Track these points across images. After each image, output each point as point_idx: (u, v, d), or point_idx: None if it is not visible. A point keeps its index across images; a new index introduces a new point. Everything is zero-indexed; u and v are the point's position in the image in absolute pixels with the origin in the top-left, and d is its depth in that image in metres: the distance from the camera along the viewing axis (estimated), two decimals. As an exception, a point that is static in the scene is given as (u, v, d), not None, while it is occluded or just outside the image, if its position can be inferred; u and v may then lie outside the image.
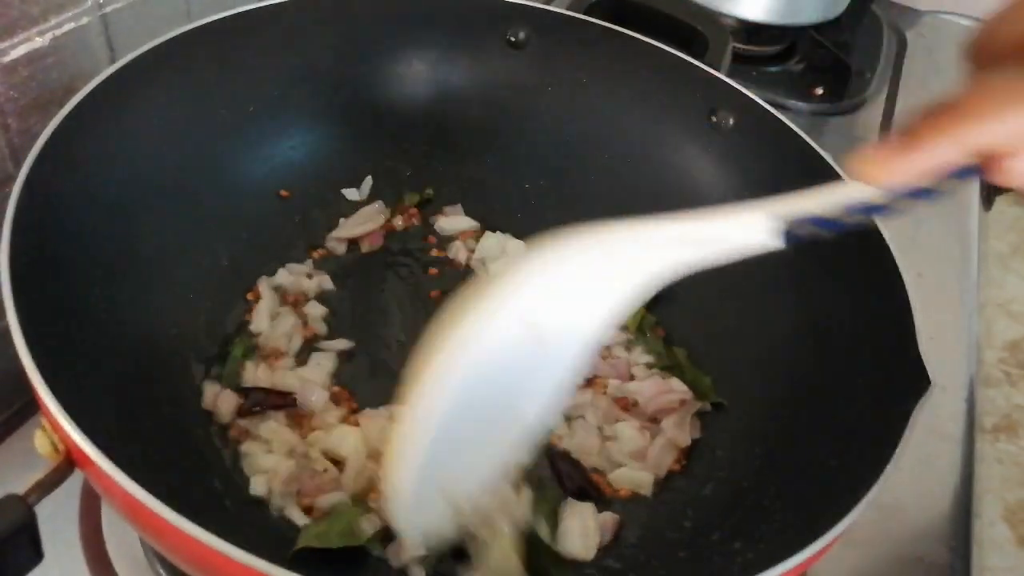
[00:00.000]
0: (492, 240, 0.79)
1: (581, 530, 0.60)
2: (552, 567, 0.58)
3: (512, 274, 0.42)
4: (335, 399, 0.66)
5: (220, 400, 0.63)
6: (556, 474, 0.64)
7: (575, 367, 0.45)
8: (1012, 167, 0.36)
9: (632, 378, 0.71)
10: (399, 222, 0.79)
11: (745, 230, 0.41)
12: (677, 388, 0.69)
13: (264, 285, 0.72)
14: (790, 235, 0.40)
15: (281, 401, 0.64)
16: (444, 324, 0.42)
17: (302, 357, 0.69)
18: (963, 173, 0.37)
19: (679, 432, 0.66)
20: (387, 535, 0.58)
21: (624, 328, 0.73)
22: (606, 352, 0.71)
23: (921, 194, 0.38)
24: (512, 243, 0.79)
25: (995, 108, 0.35)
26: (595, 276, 0.42)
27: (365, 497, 0.60)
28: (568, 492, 0.62)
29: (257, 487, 0.59)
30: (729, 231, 0.41)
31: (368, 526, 0.58)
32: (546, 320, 0.42)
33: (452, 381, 0.42)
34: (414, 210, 0.81)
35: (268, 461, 0.61)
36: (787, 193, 0.42)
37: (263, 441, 0.62)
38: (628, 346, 0.73)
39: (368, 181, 0.80)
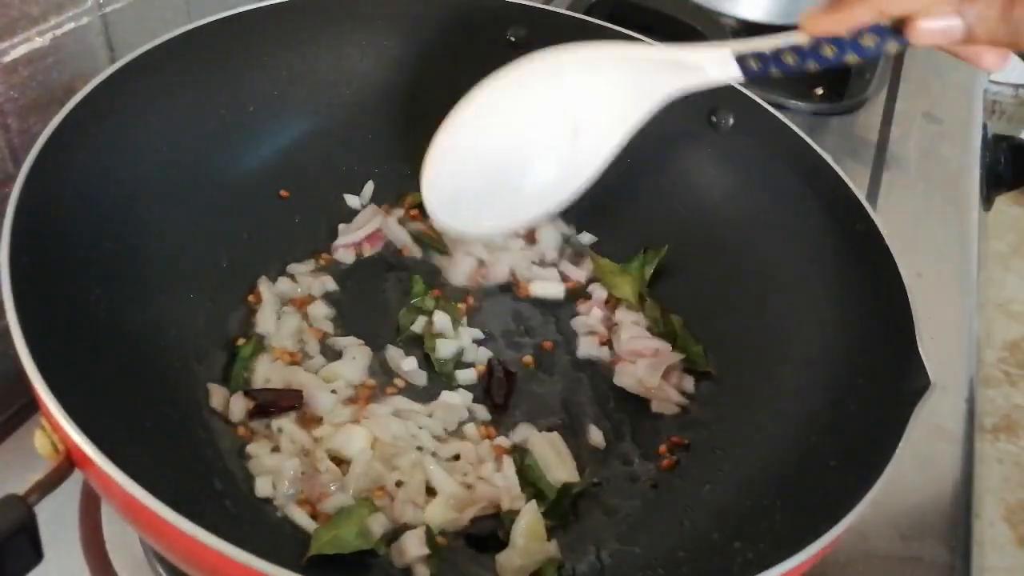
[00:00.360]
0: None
1: (556, 457, 0.63)
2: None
3: (558, 55, 0.52)
4: (357, 395, 0.67)
5: (232, 403, 0.63)
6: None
7: (594, 163, 0.55)
8: (920, 28, 0.44)
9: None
10: (397, 223, 0.79)
11: (712, 60, 0.50)
12: (655, 342, 0.70)
13: (264, 286, 0.72)
14: (746, 69, 0.50)
15: (290, 402, 0.64)
16: (504, 67, 0.52)
17: (328, 356, 0.69)
18: (880, 32, 0.46)
19: (649, 373, 0.67)
20: (393, 535, 0.58)
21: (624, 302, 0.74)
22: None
23: (848, 46, 0.47)
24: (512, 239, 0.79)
25: None
26: (619, 88, 0.53)
27: (370, 497, 0.60)
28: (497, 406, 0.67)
29: (262, 488, 0.59)
30: (702, 60, 0.51)
31: (377, 527, 0.58)
32: (579, 113, 0.53)
33: (497, 103, 0.52)
34: (415, 211, 0.80)
35: (274, 461, 0.61)
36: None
37: (270, 441, 0.62)
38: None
39: (369, 186, 0.80)
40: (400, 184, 0.81)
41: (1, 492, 0.44)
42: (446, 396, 0.67)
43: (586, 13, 0.80)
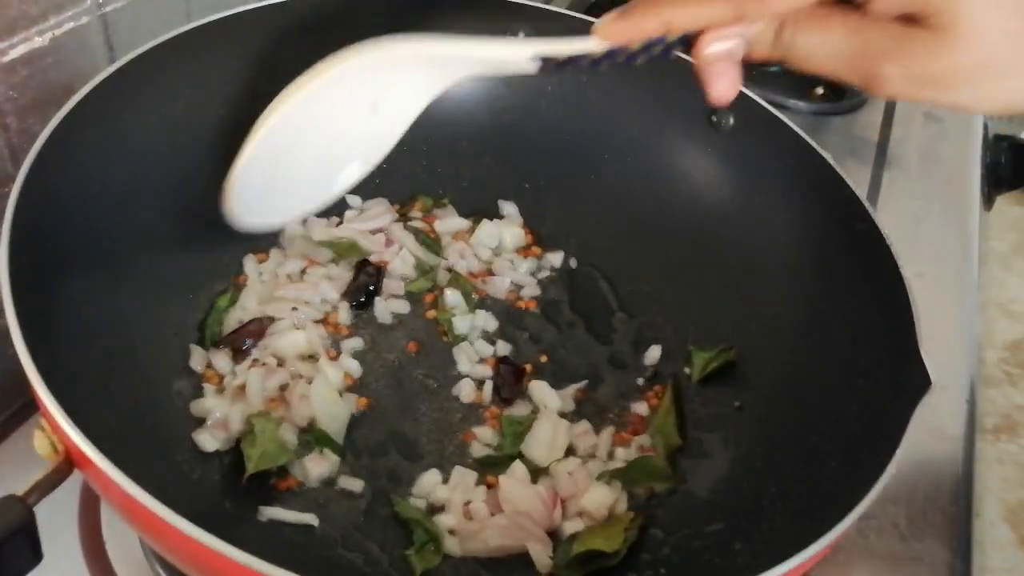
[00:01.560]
0: (489, 227, 0.79)
1: (548, 440, 0.64)
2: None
3: (357, 52, 0.55)
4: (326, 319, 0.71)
5: (212, 358, 0.65)
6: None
7: (387, 141, 0.59)
8: (707, 49, 0.46)
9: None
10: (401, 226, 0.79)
11: (514, 56, 0.52)
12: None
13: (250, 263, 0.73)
14: (543, 66, 0.52)
15: (257, 329, 0.67)
16: (309, 71, 0.55)
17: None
18: (668, 44, 0.48)
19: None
20: (306, 444, 0.62)
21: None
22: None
23: (635, 53, 0.49)
24: (509, 231, 0.79)
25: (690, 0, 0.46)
26: (413, 73, 0.56)
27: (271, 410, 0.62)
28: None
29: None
30: (503, 55, 0.53)
31: (291, 435, 0.61)
32: (376, 98, 0.56)
33: (301, 106, 0.55)
34: (427, 216, 0.80)
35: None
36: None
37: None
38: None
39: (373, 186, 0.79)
40: (400, 183, 0.81)
41: (1, 492, 0.44)
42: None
43: (586, 12, 0.80)
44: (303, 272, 0.73)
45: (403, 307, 0.74)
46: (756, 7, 0.44)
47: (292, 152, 0.56)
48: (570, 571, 0.58)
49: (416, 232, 0.78)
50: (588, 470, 0.64)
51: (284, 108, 0.54)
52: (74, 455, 0.45)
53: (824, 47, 0.45)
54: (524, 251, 0.80)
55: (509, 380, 0.69)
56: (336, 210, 0.77)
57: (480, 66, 0.55)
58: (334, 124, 0.56)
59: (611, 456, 0.66)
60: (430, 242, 0.78)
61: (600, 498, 0.62)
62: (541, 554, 0.58)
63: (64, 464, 0.46)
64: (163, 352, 0.63)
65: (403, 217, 0.80)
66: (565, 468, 0.64)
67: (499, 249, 0.79)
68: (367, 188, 0.79)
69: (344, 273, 0.74)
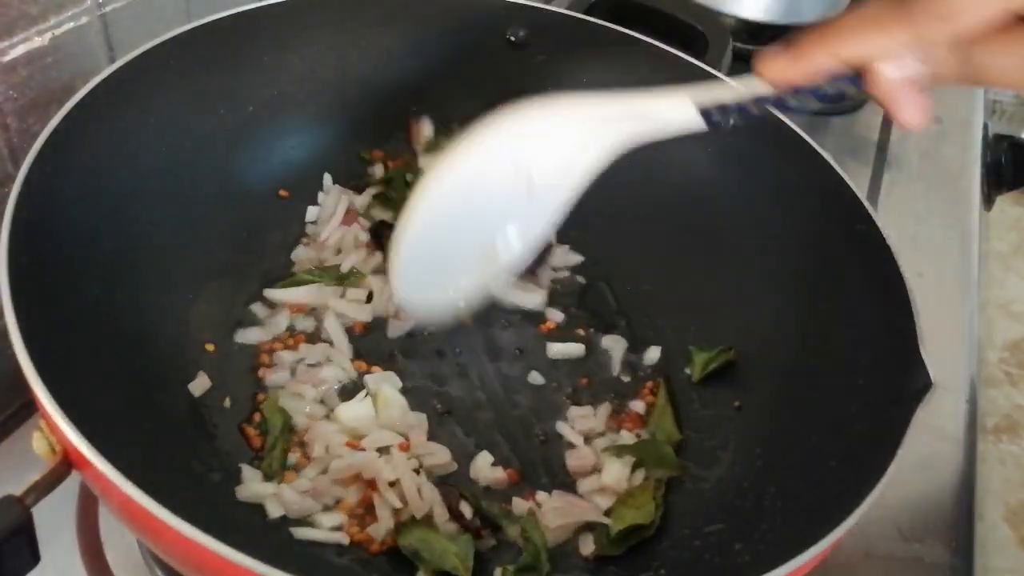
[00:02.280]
0: None
1: None
2: None
3: (506, 122, 0.53)
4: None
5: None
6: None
7: (551, 212, 0.56)
8: (877, 77, 0.45)
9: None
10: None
11: (675, 111, 0.50)
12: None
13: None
14: (709, 119, 0.50)
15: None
16: (453, 147, 0.54)
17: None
18: (841, 79, 0.46)
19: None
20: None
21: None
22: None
23: (811, 93, 0.48)
24: None
25: (860, 28, 0.45)
26: (569, 137, 0.53)
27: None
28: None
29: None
30: (663, 111, 0.51)
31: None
32: (532, 164, 0.54)
33: (449, 189, 0.54)
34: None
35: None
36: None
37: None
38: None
39: (328, 177, 0.78)
40: (399, 183, 0.81)
41: (-1, 493, 0.44)
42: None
43: (586, 13, 0.80)
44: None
45: None
46: (936, 28, 0.42)
47: (450, 233, 0.56)
48: (610, 549, 0.59)
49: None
50: (595, 447, 0.66)
51: (435, 187, 0.54)
52: (72, 456, 0.45)
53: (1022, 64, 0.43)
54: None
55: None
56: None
57: (640, 125, 0.52)
58: (487, 203, 0.55)
59: (616, 433, 0.67)
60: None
61: (617, 472, 0.63)
62: (585, 538, 0.60)
63: (62, 465, 0.46)
64: (163, 352, 0.63)
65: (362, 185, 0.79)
66: (574, 452, 0.65)
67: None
68: (362, 189, 0.79)
69: (359, 292, 0.72)
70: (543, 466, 0.65)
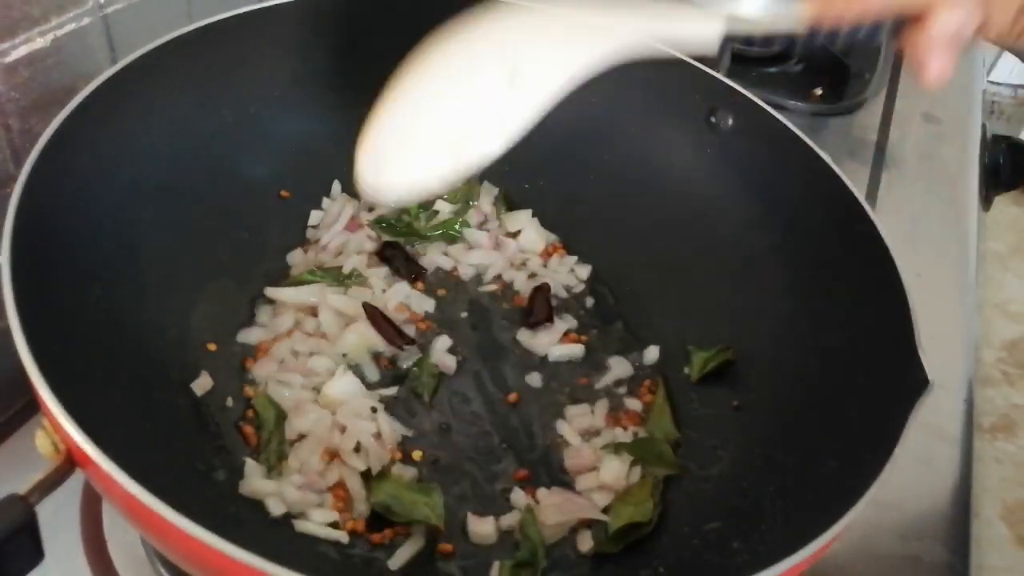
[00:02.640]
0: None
1: None
2: None
3: (497, 17, 0.52)
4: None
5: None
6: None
7: (531, 108, 0.54)
8: (925, 28, 0.44)
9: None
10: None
11: (699, 28, 0.48)
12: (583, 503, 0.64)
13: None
14: (725, 43, 0.48)
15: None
16: (444, 32, 0.52)
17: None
18: (878, 25, 0.45)
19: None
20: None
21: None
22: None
23: (838, 35, 0.46)
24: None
25: None
26: (567, 37, 0.51)
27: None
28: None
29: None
30: (685, 24, 0.48)
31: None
32: (519, 55, 0.52)
33: (432, 69, 0.53)
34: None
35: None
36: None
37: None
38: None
39: (337, 185, 0.79)
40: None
41: (2, 492, 0.44)
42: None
43: None
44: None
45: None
46: None
47: (426, 115, 0.54)
48: (608, 546, 0.60)
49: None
50: (593, 445, 0.66)
51: (421, 66, 0.52)
52: (76, 454, 0.45)
53: None
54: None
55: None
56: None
57: (649, 41, 0.50)
58: (470, 89, 0.53)
59: (614, 430, 0.68)
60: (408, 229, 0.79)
61: (616, 470, 0.64)
62: (583, 535, 0.61)
63: (66, 463, 0.46)
64: (165, 352, 0.63)
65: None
66: (572, 450, 0.66)
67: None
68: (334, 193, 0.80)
69: (360, 292, 0.73)
70: (543, 464, 0.66)
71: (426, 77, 0.52)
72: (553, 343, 0.73)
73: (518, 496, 0.62)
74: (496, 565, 0.58)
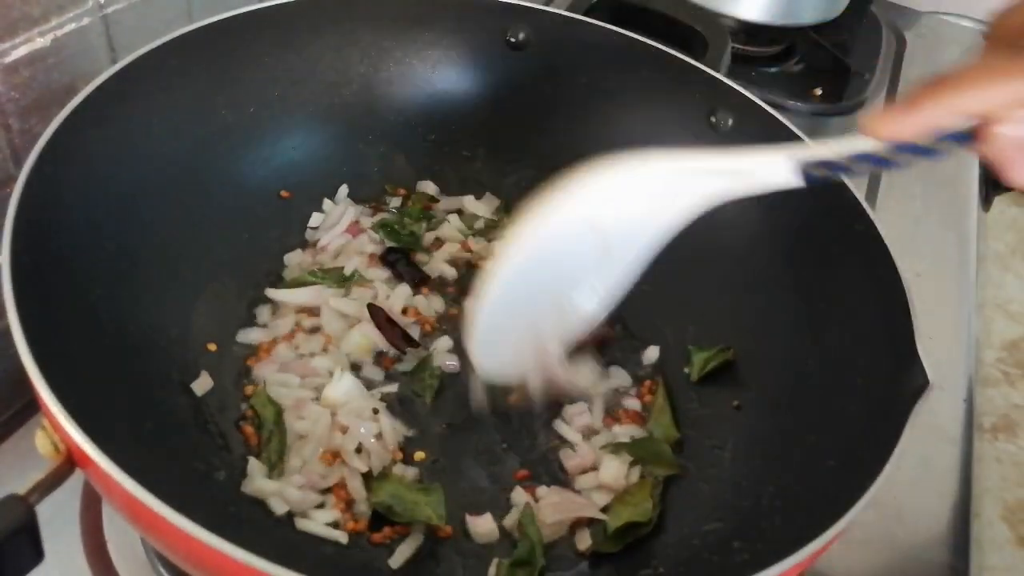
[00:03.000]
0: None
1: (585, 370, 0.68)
2: None
3: (581, 181, 0.52)
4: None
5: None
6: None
7: (627, 271, 0.56)
8: (996, 135, 0.42)
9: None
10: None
11: (769, 168, 0.48)
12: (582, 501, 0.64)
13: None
14: (807, 175, 0.47)
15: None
16: (526, 212, 0.54)
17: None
18: (956, 137, 0.44)
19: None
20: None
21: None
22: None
23: (919, 151, 0.45)
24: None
25: (982, 81, 0.42)
26: (650, 193, 0.52)
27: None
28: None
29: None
30: (756, 167, 0.49)
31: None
32: (608, 224, 0.53)
33: (526, 253, 0.54)
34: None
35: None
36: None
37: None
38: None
39: (344, 190, 0.79)
40: (400, 184, 0.81)
41: (2, 492, 0.44)
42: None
43: (585, 14, 0.80)
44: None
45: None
46: None
47: (525, 301, 0.56)
48: (607, 546, 0.60)
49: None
50: (592, 444, 0.66)
51: (516, 250, 0.53)
52: (75, 454, 0.45)
53: None
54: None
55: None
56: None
57: (731, 183, 0.50)
58: (565, 258, 0.54)
59: (612, 430, 0.68)
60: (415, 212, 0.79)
61: (615, 469, 0.64)
62: (582, 534, 0.61)
63: (65, 463, 0.46)
64: (165, 351, 0.63)
65: (377, 208, 0.80)
66: (572, 450, 0.66)
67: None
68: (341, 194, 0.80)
69: (362, 292, 0.73)
70: (543, 465, 0.66)
71: (523, 263, 0.54)
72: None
73: (518, 495, 0.62)
74: (495, 563, 0.58)
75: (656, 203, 0.52)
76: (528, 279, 0.55)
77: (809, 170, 0.47)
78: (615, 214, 0.53)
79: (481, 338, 0.58)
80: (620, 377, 0.72)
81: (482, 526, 0.60)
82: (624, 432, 0.68)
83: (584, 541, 0.61)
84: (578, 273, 0.56)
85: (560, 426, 0.68)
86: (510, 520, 0.61)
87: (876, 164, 0.46)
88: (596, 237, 0.53)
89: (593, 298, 0.57)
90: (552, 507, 0.61)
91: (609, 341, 0.73)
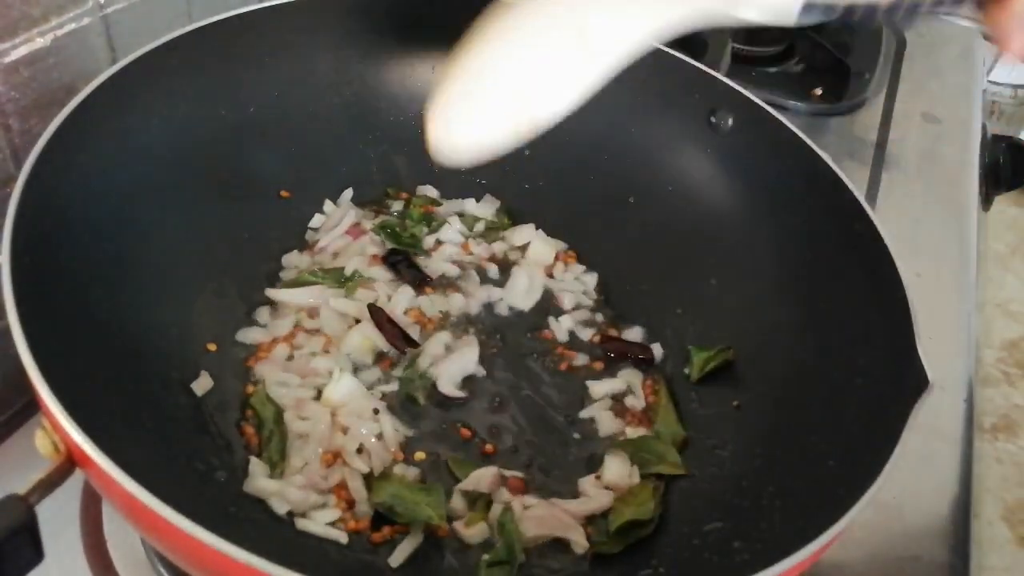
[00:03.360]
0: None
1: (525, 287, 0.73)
2: None
3: None
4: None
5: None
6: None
7: (599, 70, 0.54)
8: (1009, 3, 0.42)
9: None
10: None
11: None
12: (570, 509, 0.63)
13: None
14: (805, 5, 0.47)
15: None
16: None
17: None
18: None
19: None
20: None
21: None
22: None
23: (919, 6, 0.45)
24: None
25: None
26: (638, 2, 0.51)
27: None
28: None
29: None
30: None
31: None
32: (591, 19, 0.52)
33: (505, 32, 0.53)
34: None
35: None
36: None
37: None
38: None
39: (348, 193, 0.80)
40: (401, 184, 0.81)
41: (2, 492, 0.44)
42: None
43: None
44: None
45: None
46: None
47: (495, 75, 0.54)
48: (609, 546, 0.60)
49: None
50: (595, 443, 0.66)
51: (491, 26, 0.52)
52: (75, 454, 0.45)
53: None
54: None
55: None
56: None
57: (728, 8, 0.50)
58: (540, 48, 0.53)
59: (615, 429, 0.68)
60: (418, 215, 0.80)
61: (617, 468, 0.64)
62: (579, 538, 0.60)
63: (66, 463, 0.46)
64: (165, 351, 0.63)
65: (379, 211, 0.80)
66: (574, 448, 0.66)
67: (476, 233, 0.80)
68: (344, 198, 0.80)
69: (362, 292, 0.73)
70: (542, 465, 0.66)
71: (496, 38, 0.53)
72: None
73: (502, 494, 0.62)
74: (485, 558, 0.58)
75: (641, 10, 0.52)
76: (499, 56, 0.54)
77: (812, 7, 0.47)
78: (598, 8, 0.52)
79: (445, 113, 0.56)
80: (629, 375, 0.72)
81: (471, 527, 0.60)
82: (633, 433, 0.68)
83: (584, 542, 0.61)
84: (550, 59, 0.54)
85: (561, 425, 0.67)
86: (492, 517, 0.61)
87: (877, 16, 0.46)
88: (573, 25, 0.53)
89: (560, 89, 0.55)
90: (535, 521, 0.60)
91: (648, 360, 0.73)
